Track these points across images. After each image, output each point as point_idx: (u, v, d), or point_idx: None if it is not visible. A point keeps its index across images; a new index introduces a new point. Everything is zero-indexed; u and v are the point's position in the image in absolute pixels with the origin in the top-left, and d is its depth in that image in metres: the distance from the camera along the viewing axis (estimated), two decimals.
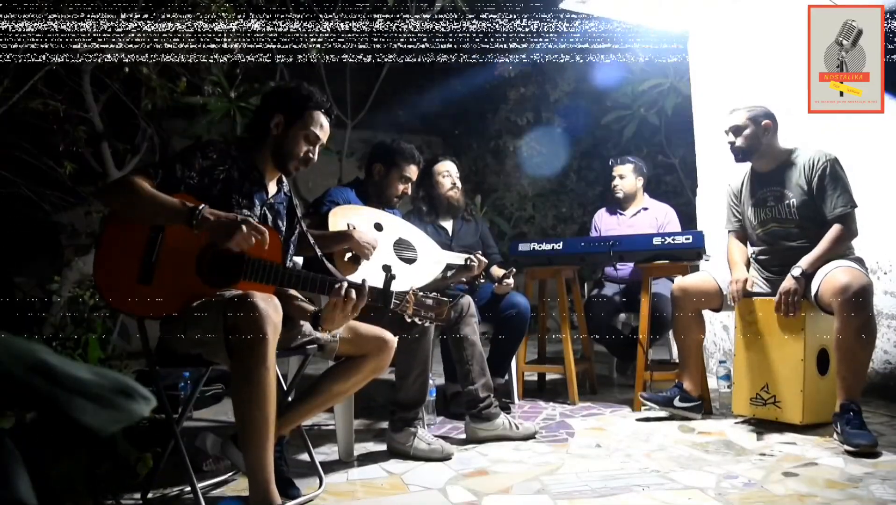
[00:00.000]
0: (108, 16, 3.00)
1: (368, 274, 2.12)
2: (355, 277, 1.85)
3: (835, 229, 2.45)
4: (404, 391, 2.31)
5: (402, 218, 2.75)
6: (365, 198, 2.64)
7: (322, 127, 1.91)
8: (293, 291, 1.94)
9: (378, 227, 2.43)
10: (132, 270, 1.63)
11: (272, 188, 1.94)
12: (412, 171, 2.65)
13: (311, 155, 1.90)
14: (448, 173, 3.12)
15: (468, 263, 2.71)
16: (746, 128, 2.59)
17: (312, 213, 2.47)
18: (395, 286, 1.84)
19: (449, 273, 2.70)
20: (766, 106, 2.62)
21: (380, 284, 1.82)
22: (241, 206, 1.81)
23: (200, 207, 1.61)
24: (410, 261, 2.47)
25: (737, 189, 2.78)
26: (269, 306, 1.57)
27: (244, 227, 1.60)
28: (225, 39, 3.32)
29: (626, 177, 3.67)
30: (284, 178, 2.01)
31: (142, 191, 1.62)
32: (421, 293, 1.88)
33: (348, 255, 2.23)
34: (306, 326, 1.91)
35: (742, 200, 2.75)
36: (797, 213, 2.54)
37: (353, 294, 1.75)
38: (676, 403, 2.70)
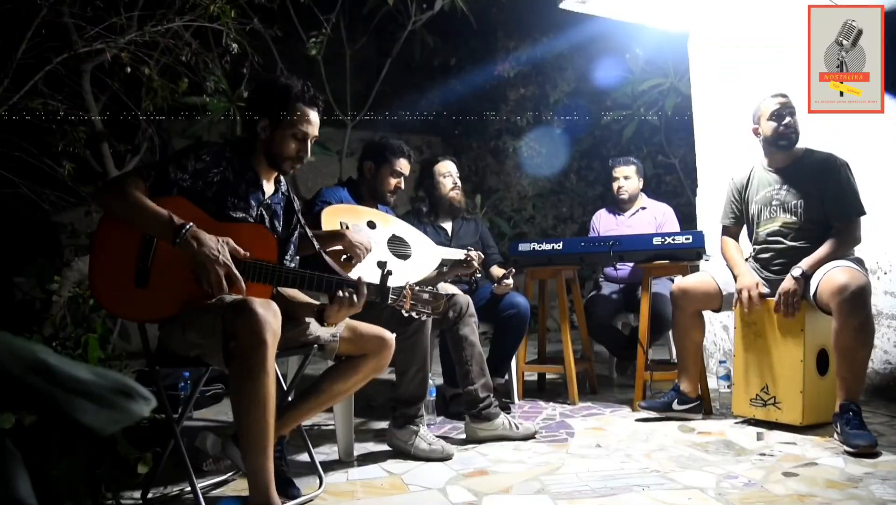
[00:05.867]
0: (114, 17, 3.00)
1: (364, 271, 2.12)
2: (351, 275, 1.85)
3: (839, 234, 2.45)
4: (404, 387, 2.31)
5: (395, 216, 2.76)
6: (358, 197, 2.67)
7: (309, 121, 1.86)
8: (293, 291, 1.94)
9: (371, 224, 2.44)
10: (128, 272, 1.61)
11: (269, 188, 1.92)
12: (402, 165, 2.68)
13: (302, 153, 1.87)
14: (449, 174, 3.13)
15: (467, 258, 2.71)
16: (794, 118, 2.57)
17: (305, 213, 2.48)
18: (391, 282, 1.84)
19: (444, 269, 2.70)
20: None
21: (376, 280, 1.83)
22: (236, 207, 1.79)
23: (186, 228, 1.57)
24: (405, 257, 2.48)
25: (741, 184, 2.77)
26: (269, 312, 1.56)
27: (219, 271, 1.57)
28: (225, 39, 3.32)
29: (631, 178, 3.67)
30: (283, 178, 2.00)
31: (130, 197, 1.59)
32: (418, 287, 1.88)
33: (344, 256, 2.23)
34: (310, 325, 1.90)
35: (746, 197, 2.74)
36: (803, 213, 2.53)
37: (353, 294, 1.76)
38: (675, 406, 2.69)
